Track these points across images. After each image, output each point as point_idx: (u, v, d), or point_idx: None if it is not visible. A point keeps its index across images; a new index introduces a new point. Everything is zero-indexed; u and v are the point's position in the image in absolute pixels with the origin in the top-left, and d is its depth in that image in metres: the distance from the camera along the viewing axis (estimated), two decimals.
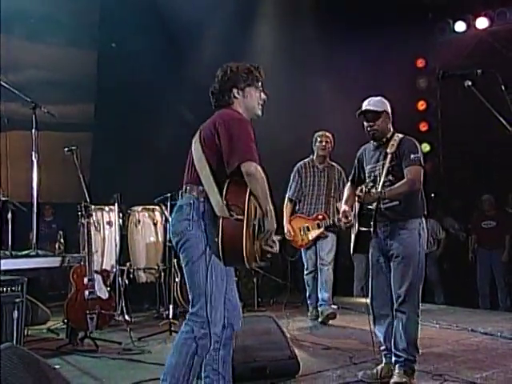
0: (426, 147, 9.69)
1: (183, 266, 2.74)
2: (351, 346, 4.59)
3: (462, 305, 6.91)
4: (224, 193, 2.62)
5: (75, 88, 9.13)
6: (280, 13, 8.85)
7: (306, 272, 5.84)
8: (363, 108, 3.67)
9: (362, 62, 8.21)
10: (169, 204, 5.62)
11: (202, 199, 2.68)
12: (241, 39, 8.44)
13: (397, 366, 3.55)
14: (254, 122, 2.89)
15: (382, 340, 3.70)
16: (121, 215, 5.70)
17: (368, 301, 3.73)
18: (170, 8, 8.03)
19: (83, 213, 4.63)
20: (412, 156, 3.53)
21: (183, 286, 5.58)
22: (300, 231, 5.66)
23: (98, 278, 4.54)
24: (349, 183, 4.01)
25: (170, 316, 5.03)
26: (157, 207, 5.82)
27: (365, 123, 3.68)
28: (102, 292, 4.53)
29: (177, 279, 5.59)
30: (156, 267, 5.69)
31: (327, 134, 5.84)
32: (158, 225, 5.89)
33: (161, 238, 5.84)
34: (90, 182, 8.95)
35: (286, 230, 5.65)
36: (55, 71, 8.95)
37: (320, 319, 5.59)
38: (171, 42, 8.40)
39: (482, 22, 8.63)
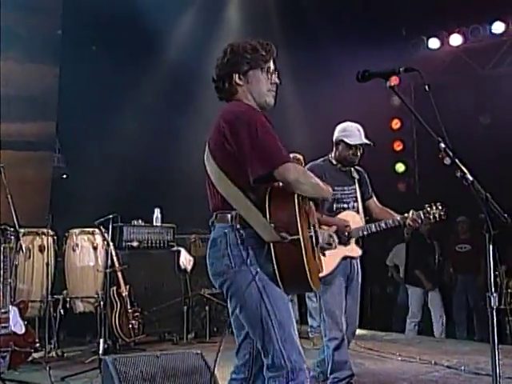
0: (400, 167, 9.41)
1: (238, 313, 2.28)
2: None
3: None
4: (267, 210, 2.13)
5: (35, 105, 8.76)
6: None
7: None
8: (362, 141, 3.61)
9: (334, 79, 7.92)
10: (110, 226, 5.24)
11: (239, 226, 2.22)
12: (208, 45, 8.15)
13: None
14: None
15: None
16: (55, 239, 5.21)
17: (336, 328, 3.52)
18: (134, 20, 7.75)
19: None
20: (370, 186, 3.84)
21: (122, 316, 5.14)
22: None
23: (13, 310, 4.04)
24: None
25: (100, 351, 4.51)
26: (97, 230, 5.34)
27: (351, 152, 3.64)
28: (18, 326, 4.03)
29: (115, 309, 5.10)
30: (96, 296, 5.20)
31: (299, 156, 5.46)
32: (99, 249, 5.38)
33: (101, 264, 5.34)
34: (52, 203, 8.64)
35: None
36: (13, 87, 8.57)
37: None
38: (136, 56, 8.10)
39: (455, 39, 8.54)
